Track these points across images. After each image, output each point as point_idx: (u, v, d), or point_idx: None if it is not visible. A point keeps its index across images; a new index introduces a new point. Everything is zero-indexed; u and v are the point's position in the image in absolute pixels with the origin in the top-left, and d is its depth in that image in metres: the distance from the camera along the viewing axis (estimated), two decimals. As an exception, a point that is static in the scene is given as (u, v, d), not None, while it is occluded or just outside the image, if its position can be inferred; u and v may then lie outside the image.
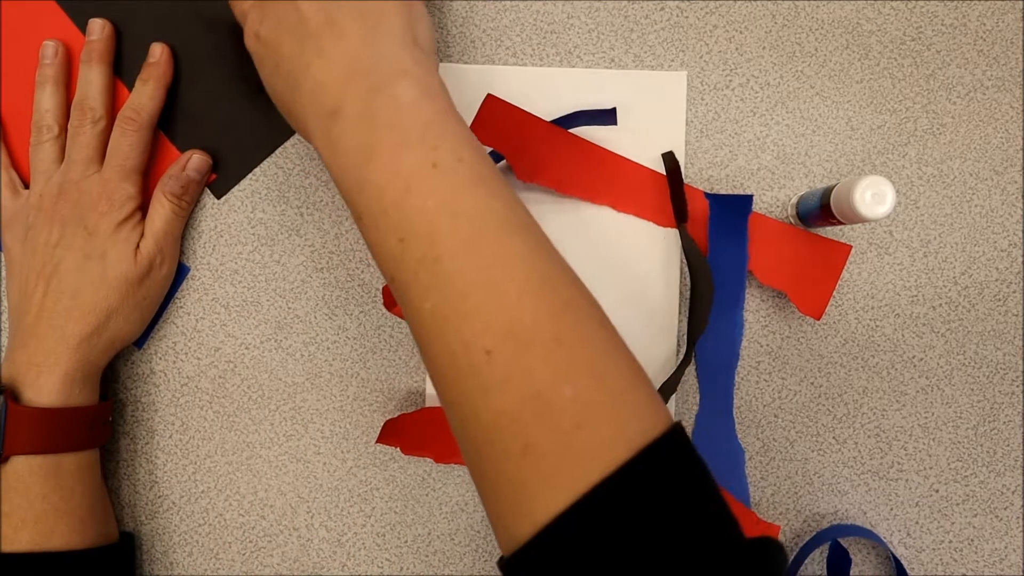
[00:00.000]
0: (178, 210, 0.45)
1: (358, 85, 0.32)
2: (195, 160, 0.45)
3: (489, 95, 0.42)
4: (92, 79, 0.44)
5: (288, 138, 0.47)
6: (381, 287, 0.47)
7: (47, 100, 0.44)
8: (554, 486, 0.27)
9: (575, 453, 0.27)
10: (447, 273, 0.29)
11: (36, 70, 0.45)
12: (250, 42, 0.36)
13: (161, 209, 0.44)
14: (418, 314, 0.30)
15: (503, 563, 0.29)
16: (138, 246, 0.43)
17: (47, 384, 0.40)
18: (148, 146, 0.45)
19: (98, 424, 0.43)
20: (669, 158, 0.46)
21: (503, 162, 0.45)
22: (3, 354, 0.45)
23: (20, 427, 0.39)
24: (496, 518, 0.30)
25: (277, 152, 0.47)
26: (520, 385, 0.28)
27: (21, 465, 0.40)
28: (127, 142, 0.43)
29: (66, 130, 0.44)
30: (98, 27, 0.45)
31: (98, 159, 0.44)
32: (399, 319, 0.47)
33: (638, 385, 0.29)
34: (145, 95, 0.44)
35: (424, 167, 0.30)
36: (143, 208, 0.45)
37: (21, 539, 0.40)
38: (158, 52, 0.45)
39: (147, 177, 0.45)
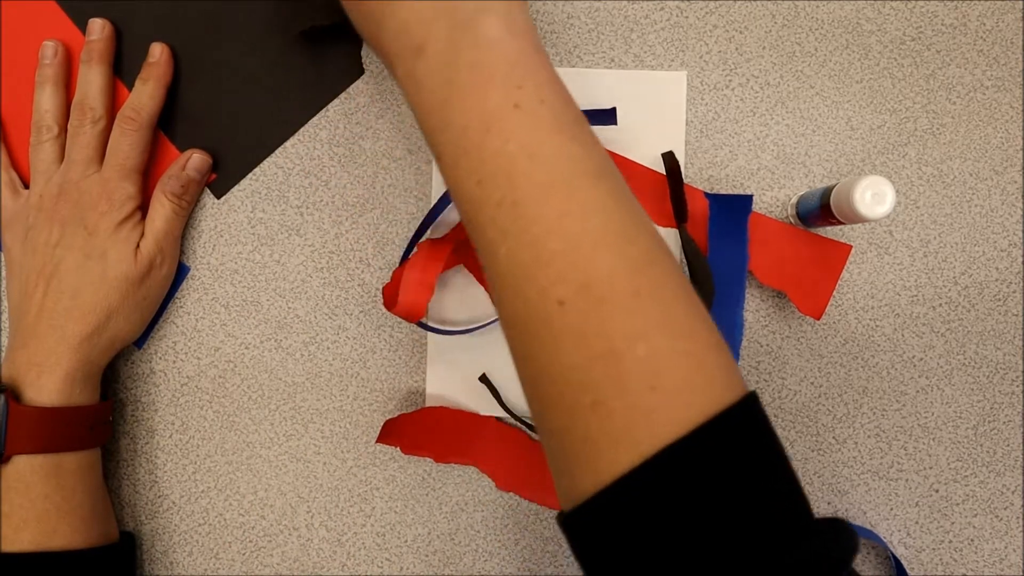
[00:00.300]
0: (178, 210, 0.45)
1: (442, 22, 0.31)
2: (195, 160, 0.45)
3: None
4: (92, 79, 0.44)
5: (288, 138, 0.47)
6: (381, 287, 0.47)
7: (47, 100, 0.44)
8: (621, 445, 0.26)
9: (645, 414, 0.26)
10: (524, 218, 0.28)
11: (36, 70, 0.45)
12: None
13: (161, 209, 0.44)
14: (493, 260, 0.29)
15: (563, 518, 0.29)
16: (138, 246, 0.43)
17: (48, 384, 0.40)
18: (148, 146, 0.45)
19: (99, 424, 0.43)
20: (669, 158, 0.46)
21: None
22: (3, 354, 0.45)
23: (21, 427, 0.39)
24: (560, 473, 0.29)
25: (277, 152, 0.47)
26: (592, 340, 0.27)
27: (22, 465, 0.40)
28: (127, 142, 0.43)
29: (66, 130, 0.44)
30: (98, 27, 0.45)
31: (98, 159, 0.44)
32: (399, 319, 0.47)
33: (715, 349, 0.28)
34: (145, 95, 0.44)
35: (506, 107, 0.29)
36: (143, 208, 0.45)
37: (23, 539, 0.40)
38: (158, 52, 0.45)
39: (147, 177, 0.46)
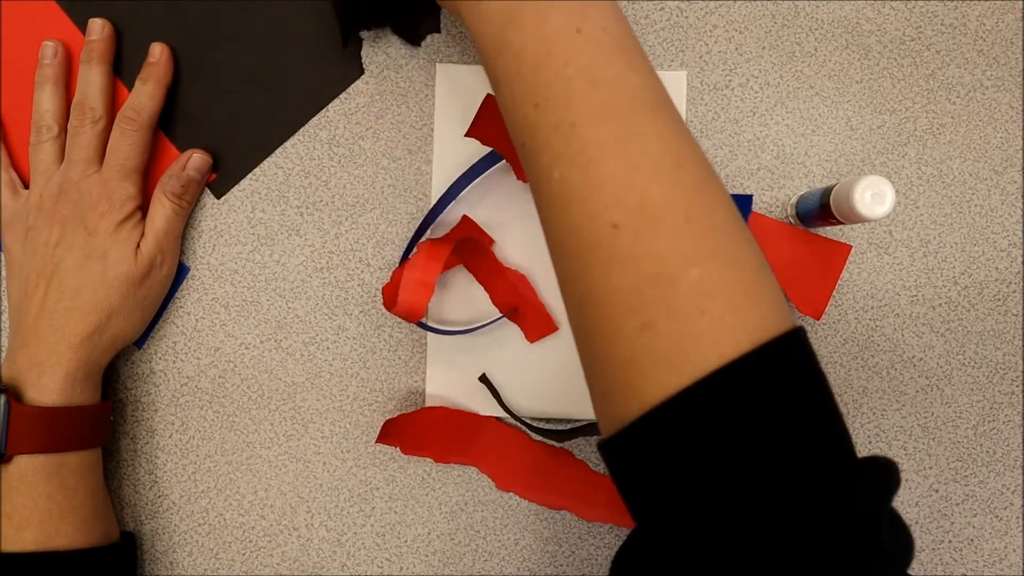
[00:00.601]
0: (179, 209, 0.45)
1: None
2: (195, 159, 0.45)
3: (489, 95, 0.42)
4: (92, 79, 0.44)
5: (288, 138, 0.47)
6: (381, 287, 0.47)
7: (47, 100, 0.44)
8: (669, 367, 0.26)
9: (695, 337, 0.26)
10: (580, 140, 0.28)
11: (36, 70, 0.45)
12: None
13: (162, 209, 0.44)
14: (546, 183, 0.29)
15: (605, 444, 0.29)
16: (139, 246, 0.43)
17: (49, 383, 0.41)
18: (148, 146, 0.45)
19: (100, 423, 0.43)
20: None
21: (503, 162, 0.45)
22: (4, 355, 0.45)
23: (23, 426, 0.39)
24: (601, 399, 0.29)
25: (277, 152, 0.47)
26: (645, 263, 0.27)
27: (24, 464, 0.40)
28: (127, 142, 0.43)
29: (66, 130, 0.44)
30: (98, 27, 0.45)
31: (98, 159, 0.44)
32: (399, 319, 0.47)
33: (764, 280, 0.28)
34: (145, 95, 0.44)
35: (568, 31, 0.29)
36: (143, 208, 0.45)
37: (25, 539, 0.40)
38: (158, 52, 0.45)
39: (147, 177, 0.46)
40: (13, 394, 0.40)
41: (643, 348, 0.27)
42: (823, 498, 0.25)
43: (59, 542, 0.40)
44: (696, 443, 0.25)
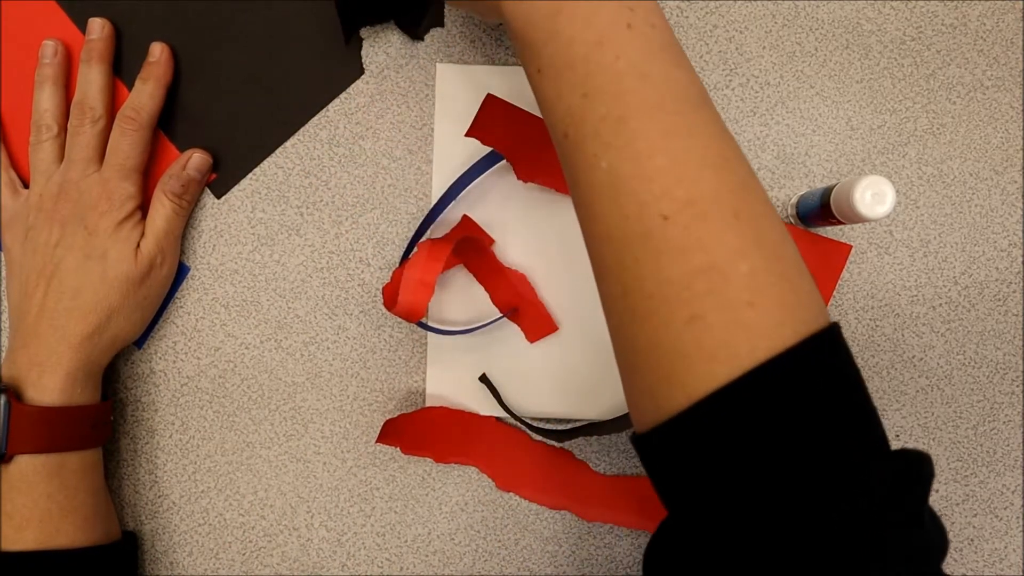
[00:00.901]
0: (179, 209, 0.45)
1: None
2: (195, 159, 0.45)
3: (489, 95, 0.42)
4: (92, 79, 0.44)
5: (288, 138, 0.47)
6: (381, 287, 0.47)
7: (46, 100, 0.44)
8: (717, 360, 0.26)
9: (744, 330, 0.26)
10: (629, 132, 0.28)
11: (36, 70, 0.45)
12: None
13: (162, 208, 0.44)
14: (591, 173, 0.29)
15: (647, 435, 0.29)
16: (139, 246, 0.43)
17: (49, 383, 0.41)
18: (148, 145, 0.45)
19: (100, 423, 0.43)
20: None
21: (503, 161, 0.45)
22: (3, 355, 0.45)
23: (23, 426, 0.39)
24: (641, 392, 0.29)
25: (277, 152, 0.47)
26: (695, 255, 0.27)
27: (25, 464, 0.40)
28: (127, 141, 0.43)
29: (66, 130, 0.44)
30: (98, 27, 0.45)
31: (98, 159, 0.44)
32: (399, 319, 0.47)
33: (804, 274, 0.29)
34: (145, 94, 0.44)
35: (619, 25, 0.29)
36: (143, 208, 0.45)
37: (27, 538, 0.40)
38: (158, 51, 0.45)
39: (147, 176, 0.46)
40: (13, 394, 0.40)
41: (691, 340, 0.27)
42: (867, 489, 0.25)
43: (60, 541, 0.40)
44: (743, 436, 0.26)
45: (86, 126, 0.43)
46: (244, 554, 0.47)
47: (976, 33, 0.47)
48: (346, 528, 0.47)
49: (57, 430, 0.40)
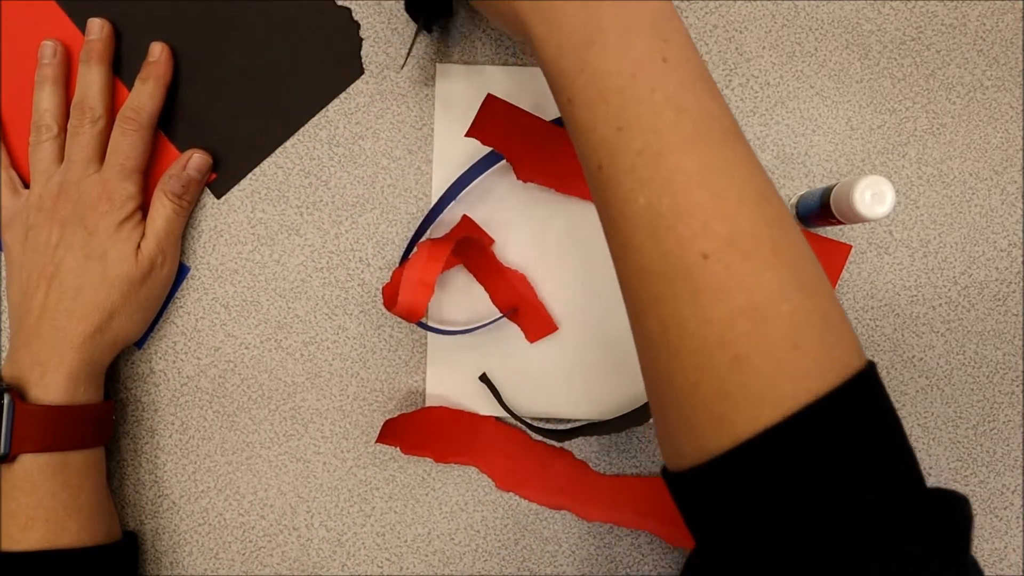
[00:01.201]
0: (179, 209, 0.45)
1: None
2: (196, 159, 0.45)
3: (489, 95, 0.42)
4: (92, 79, 0.44)
5: (288, 138, 0.47)
6: (381, 287, 0.47)
7: (46, 100, 0.44)
8: (763, 402, 0.26)
9: (788, 371, 0.26)
10: (668, 168, 0.28)
11: (36, 70, 0.45)
12: None
13: (162, 208, 0.44)
14: (627, 207, 0.29)
15: (685, 474, 0.29)
16: (139, 246, 0.43)
17: (52, 382, 0.41)
18: (148, 145, 0.45)
19: (103, 422, 0.43)
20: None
21: (503, 161, 0.45)
22: (4, 354, 0.45)
23: (27, 425, 0.39)
24: (678, 429, 0.29)
25: (277, 152, 0.47)
26: (737, 295, 0.27)
27: (29, 463, 0.40)
28: (127, 142, 0.43)
29: (66, 130, 0.44)
30: (97, 27, 0.45)
31: (98, 159, 0.44)
32: (399, 319, 0.47)
33: (841, 312, 0.29)
34: (145, 94, 0.44)
35: (654, 58, 0.29)
36: (143, 208, 0.45)
37: (31, 538, 0.40)
38: (158, 51, 0.45)
39: (147, 176, 0.46)
40: (17, 393, 0.40)
41: (735, 382, 0.27)
42: (915, 536, 0.25)
43: (64, 540, 0.40)
44: (788, 477, 0.26)
45: (86, 126, 0.43)
46: (244, 554, 0.47)
47: (976, 33, 0.47)
48: (346, 528, 0.47)
49: (60, 429, 0.41)
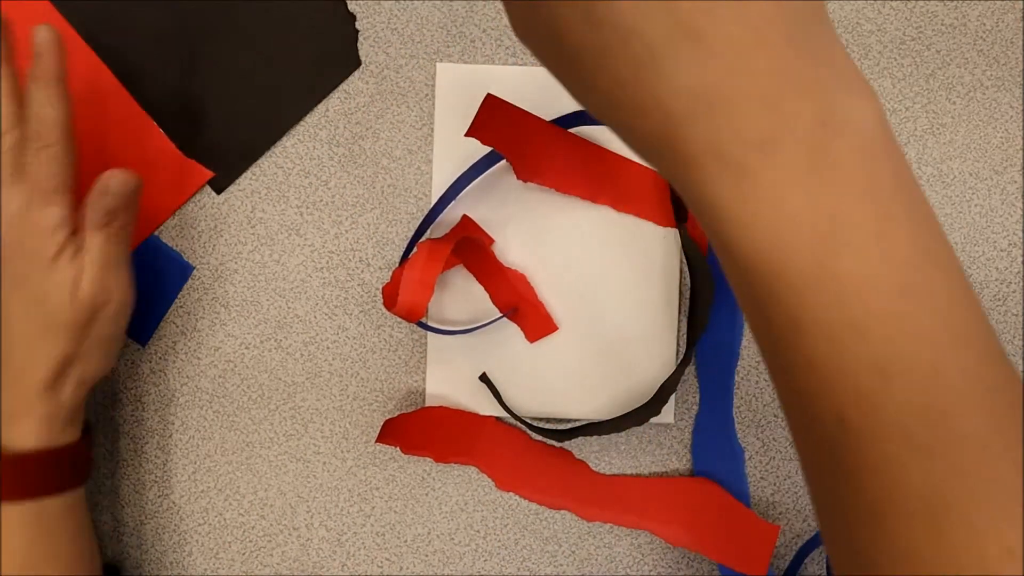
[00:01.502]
0: (112, 237, 0.39)
1: (800, 104, 0.19)
2: (115, 182, 0.38)
3: (489, 95, 0.42)
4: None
5: (287, 131, 0.47)
6: (381, 287, 0.47)
7: None
8: None
9: None
10: (957, 435, 0.20)
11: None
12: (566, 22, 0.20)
13: (94, 240, 0.38)
14: (889, 477, 0.20)
15: None
16: (76, 284, 0.38)
17: (24, 428, 0.38)
18: (69, 156, 0.38)
19: (81, 461, 0.41)
20: (669, 158, 0.46)
21: (503, 161, 0.45)
22: None
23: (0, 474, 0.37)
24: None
25: (277, 152, 0.47)
26: None
27: (3, 514, 0.37)
28: (38, 162, 0.37)
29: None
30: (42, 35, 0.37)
31: (20, 181, 0.37)
32: (399, 319, 0.47)
33: None
34: (43, 102, 0.37)
35: (923, 259, 0.20)
36: (79, 226, 0.39)
37: None
38: (42, 38, 0.37)
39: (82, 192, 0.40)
40: None
41: None
42: None
43: None
44: None
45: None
46: (244, 554, 0.47)
47: (976, 33, 0.47)
48: (346, 528, 0.47)
49: (35, 476, 0.38)
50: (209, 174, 0.47)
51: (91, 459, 0.42)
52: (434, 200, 0.47)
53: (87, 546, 0.42)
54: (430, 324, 0.47)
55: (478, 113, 0.42)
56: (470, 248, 0.45)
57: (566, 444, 0.47)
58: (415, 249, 0.44)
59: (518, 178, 0.45)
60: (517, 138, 0.44)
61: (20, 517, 0.38)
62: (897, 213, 0.20)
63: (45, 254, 0.37)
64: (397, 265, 0.47)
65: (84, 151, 0.43)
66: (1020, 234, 0.47)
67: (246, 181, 0.47)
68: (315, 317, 0.47)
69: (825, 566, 0.47)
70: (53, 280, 0.37)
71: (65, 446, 0.39)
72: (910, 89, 0.47)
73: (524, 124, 0.44)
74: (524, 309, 0.46)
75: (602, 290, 0.47)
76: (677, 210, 0.45)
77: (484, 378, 0.46)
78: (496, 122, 0.43)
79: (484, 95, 0.45)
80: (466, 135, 0.43)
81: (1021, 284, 0.47)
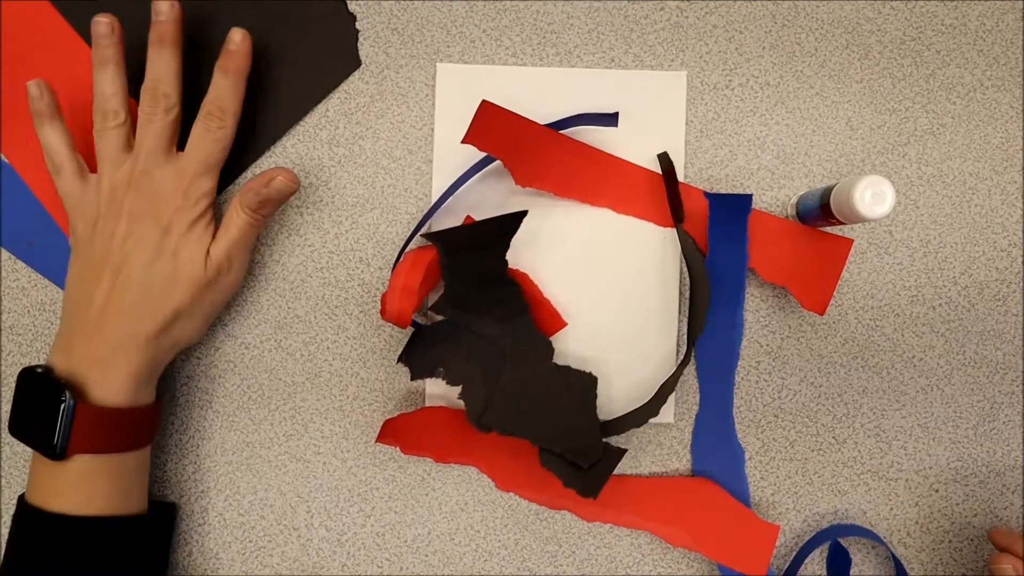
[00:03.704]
0: (253, 222, 0.43)
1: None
2: (279, 181, 0.42)
3: (484, 101, 0.42)
4: (164, 63, 0.42)
5: (287, 131, 0.47)
6: (381, 286, 0.47)
7: (109, 84, 0.42)
8: None
9: None
10: None
11: (92, 51, 0.42)
12: None
13: (237, 218, 0.43)
14: None
15: None
16: (209, 250, 0.42)
17: (115, 383, 0.40)
18: (231, 141, 0.43)
19: (155, 423, 0.43)
20: (664, 159, 0.46)
21: (499, 161, 0.45)
22: (56, 341, 0.42)
23: (86, 427, 0.39)
24: None
25: (277, 152, 0.47)
26: None
27: (86, 463, 0.39)
28: (211, 138, 0.42)
29: (133, 115, 0.42)
30: (166, 7, 0.42)
31: (171, 148, 0.42)
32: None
33: None
34: (228, 90, 0.42)
35: None
36: (216, 207, 0.44)
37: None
38: (239, 39, 0.42)
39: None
40: (77, 392, 0.39)
41: None
42: None
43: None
44: None
45: (159, 114, 0.41)
46: (244, 554, 0.47)
47: (976, 33, 0.47)
48: (346, 528, 0.47)
49: (119, 431, 0.40)
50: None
51: (160, 421, 0.44)
52: (434, 200, 0.47)
53: (146, 500, 0.44)
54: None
55: (474, 120, 0.42)
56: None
57: (566, 444, 0.47)
58: (402, 258, 0.44)
59: (517, 183, 0.45)
60: (514, 144, 0.44)
61: (100, 468, 0.40)
62: None
63: (189, 216, 0.42)
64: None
65: (82, 153, 0.43)
66: (1020, 234, 0.47)
67: (246, 181, 0.47)
68: (315, 317, 0.47)
69: (825, 566, 0.47)
70: (190, 237, 0.42)
71: (147, 406, 0.42)
72: (910, 89, 0.47)
73: (520, 128, 0.44)
74: (532, 308, 0.46)
75: (602, 291, 0.47)
76: (674, 211, 0.45)
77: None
78: (492, 128, 0.43)
79: (484, 95, 0.45)
80: (463, 142, 0.43)
81: (1021, 284, 0.47)
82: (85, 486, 0.39)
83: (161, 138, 0.42)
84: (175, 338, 0.42)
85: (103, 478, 0.40)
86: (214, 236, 0.43)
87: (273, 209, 0.44)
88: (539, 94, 0.47)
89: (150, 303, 0.41)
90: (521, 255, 0.47)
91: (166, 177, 0.41)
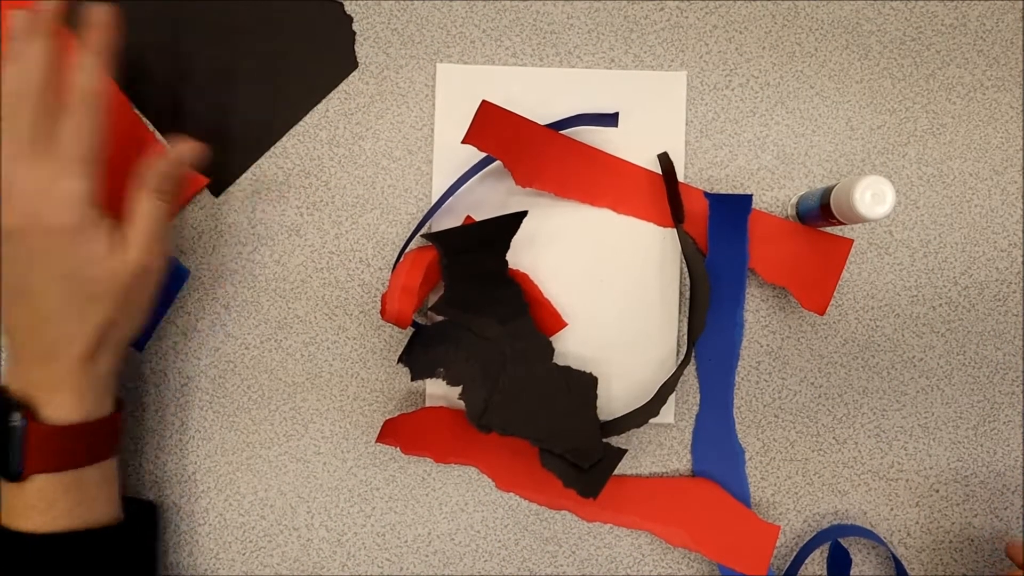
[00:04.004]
0: (163, 205, 0.40)
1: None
2: (177, 150, 0.40)
3: (484, 101, 0.42)
4: (31, 53, 0.37)
5: (285, 133, 0.47)
6: (381, 287, 0.47)
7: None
8: None
9: None
10: None
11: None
12: None
13: (145, 206, 0.39)
14: None
15: None
16: (120, 250, 0.38)
17: (65, 402, 0.38)
18: (100, 128, 0.38)
19: (115, 433, 0.42)
20: (664, 159, 0.46)
21: (499, 162, 0.45)
22: (4, 361, 0.43)
23: (40, 446, 0.38)
24: None
25: (277, 152, 0.47)
26: None
27: (43, 482, 0.38)
28: (69, 132, 0.37)
29: None
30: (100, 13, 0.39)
31: (42, 150, 0.37)
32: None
33: None
34: (84, 71, 0.38)
35: None
36: (108, 201, 0.39)
37: None
38: (98, 14, 0.38)
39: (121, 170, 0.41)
40: (29, 411, 0.38)
41: None
42: None
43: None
44: None
45: (24, 110, 0.36)
46: (244, 554, 0.47)
47: (976, 33, 0.47)
48: (346, 528, 0.47)
49: (75, 447, 0.39)
50: (205, 180, 0.46)
51: (123, 431, 0.43)
52: (434, 200, 0.47)
53: (117, 511, 0.42)
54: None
55: (474, 120, 0.42)
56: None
57: (566, 444, 0.47)
58: (402, 258, 0.44)
59: (517, 183, 0.45)
60: (514, 144, 0.44)
61: (59, 485, 0.39)
62: None
63: (67, 226, 0.37)
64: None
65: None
66: (1020, 234, 0.47)
67: (246, 181, 0.47)
68: (315, 317, 0.47)
69: (826, 566, 0.47)
70: (80, 253, 0.37)
71: (103, 418, 0.40)
72: (910, 89, 0.47)
73: (520, 129, 0.44)
74: (532, 308, 0.46)
75: (602, 291, 0.47)
76: (674, 211, 0.45)
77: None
78: (492, 128, 0.43)
79: (485, 95, 0.45)
80: (463, 142, 0.43)
81: (1021, 284, 0.47)
82: (45, 505, 0.38)
83: (31, 141, 0.37)
84: (115, 345, 0.40)
85: (62, 494, 0.39)
86: (124, 238, 0.39)
87: (178, 183, 0.41)
88: (539, 94, 0.47)
89: (72, 328, 0.38)
90: (521, 255, 0.47)
91: (38, 184, 0.37)
